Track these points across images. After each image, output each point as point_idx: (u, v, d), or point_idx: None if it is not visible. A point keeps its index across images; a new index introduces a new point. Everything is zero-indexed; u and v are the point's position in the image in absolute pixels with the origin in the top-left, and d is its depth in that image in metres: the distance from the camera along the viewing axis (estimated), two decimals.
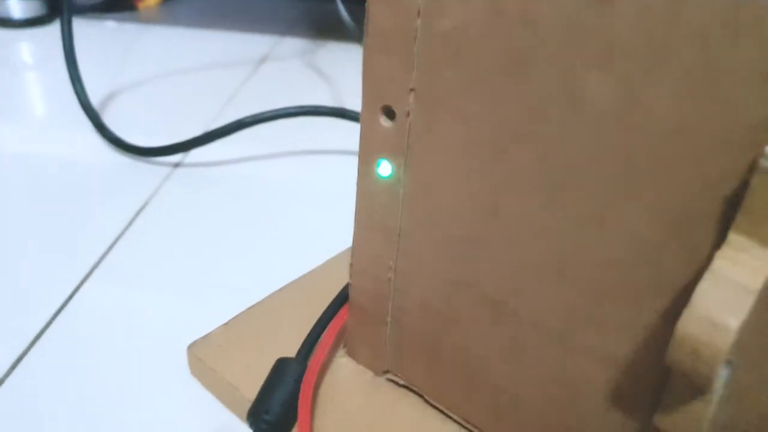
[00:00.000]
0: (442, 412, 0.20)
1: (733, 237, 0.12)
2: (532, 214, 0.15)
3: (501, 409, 0.18)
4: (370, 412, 0.20)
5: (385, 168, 0.18)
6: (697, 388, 0.13)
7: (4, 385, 0.22)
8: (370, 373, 0.22)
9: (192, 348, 0.22)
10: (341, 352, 0.22)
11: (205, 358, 0.22)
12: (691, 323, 0.12)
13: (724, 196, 0.12)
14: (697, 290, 0.12)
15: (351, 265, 0.20)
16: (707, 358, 0.12)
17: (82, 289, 0.27)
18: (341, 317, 0.21)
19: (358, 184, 0.19)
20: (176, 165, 0.37)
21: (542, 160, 0.15)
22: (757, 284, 0.11)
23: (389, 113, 0.17)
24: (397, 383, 0.21)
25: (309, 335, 0.21)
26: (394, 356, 0.21)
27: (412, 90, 0.17)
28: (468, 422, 0.19)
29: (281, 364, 0.20)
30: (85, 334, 0.25)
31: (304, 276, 0.27)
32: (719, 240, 0.13)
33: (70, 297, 0.26)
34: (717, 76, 0.12)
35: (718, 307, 0.11)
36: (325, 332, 0.21)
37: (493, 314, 0.17)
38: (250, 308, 0.24)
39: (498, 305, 0.17)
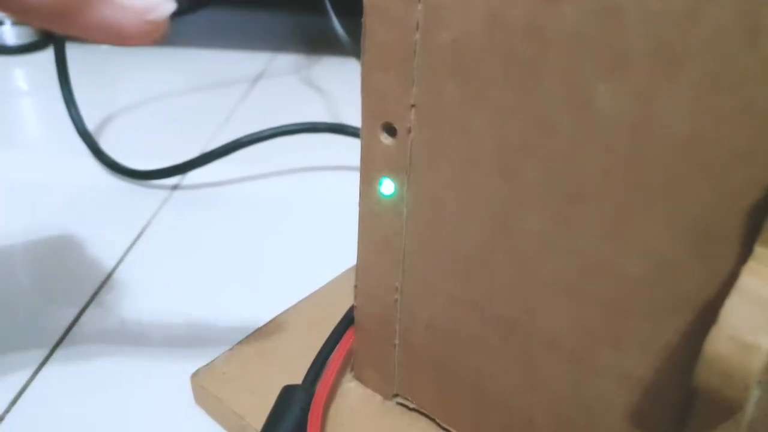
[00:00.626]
0: None
1: (759, 251, 0.11)
2: (543, 231, 0.15)
3: None
4: None
5: (387, 186, 0.18)
6: (726, 410, 0.12)
7: (8, 415, 0.21)
8: (379, 398, 0.21)
9: (195, 377, 0.22)
10: (348, 376, 0.22)
11: (209, 387, 0.21)
12: (720, 343, 0.11)
13: (746, 208, 0.12)
14: (726, 307, 0.11)
15: (356, 286, 0.20)
16: (738, 380, 0.11)
17: (83, 317, 0.26)
18: (347, 341, 0.21)
19: (360, 203, 0.18)
20: (174, 187, 0.37)
21: (551, 175, 0.14)
22: None
23: (390, 130, 0.17)
24: (407, 407, 0.20)
25: (315, 361, 0.20)
26: (403, 379, 0.20)
27: (413, 106, 0.16)
28: None
29: (287, 392, 0.19)
30: (87, 364, 0.24)
31: (307, 298, 0.26)
32: (742, 254, 0.12)
33: (72, 324, 0.26)
34: (735, 83, 0.11)
35: (749, 326, 0.11)
36: (332, 357, 0.20)
37: (505, 334, 0.17)
38: (253, 333, 0.24)
39: (510, 325, 0.16)
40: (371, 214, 0.18)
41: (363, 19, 0.16)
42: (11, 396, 0.22)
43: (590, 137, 0.13)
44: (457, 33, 0.15)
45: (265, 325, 0.24)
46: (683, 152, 0.12)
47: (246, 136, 0.34)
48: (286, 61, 0.59)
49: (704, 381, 0.11)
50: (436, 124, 0.16)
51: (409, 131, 0.16)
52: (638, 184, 0.13)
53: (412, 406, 0.20)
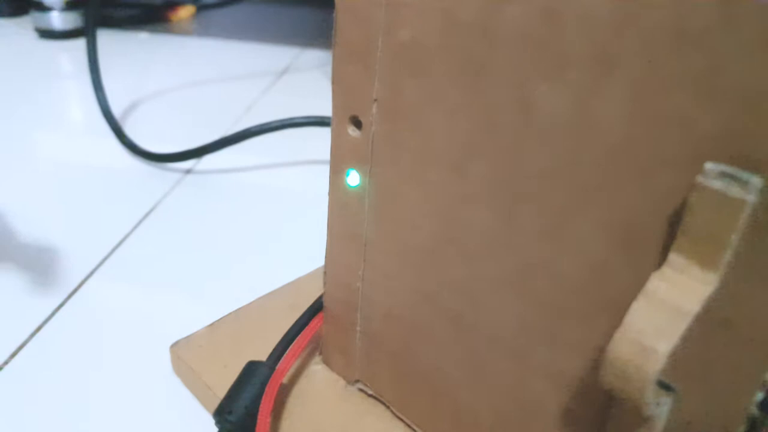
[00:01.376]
0: (408, 425, 0.20)
1: (673, 257, 0.12)
2: (488, 227, 0.15)
3: (461, 426, 0.18)
4: (337, 421, 0.20)
5: (353, 178, 0.18)
6: (635, 413, 0.12)
7: (2, 371, 0.23)
8: (342, 382, 0.22)
9: (174, 347, 0.23)
10: (318, 359, 0.22)
11: (185, 358, 0.22)
12: (621, 345, 0.11)
13: (669, 214, 0.12)
14: (630, 310, 0.11)
15: (324, 273, 0.21)
16: (636, 382, 0.11)
17: (85, 285, 0.28)
18: (316, 324, 0.21)
19: (329, 193, 0.19)
20: (188, 171, 0.38)
21: (496, 173, 0.15)
22: (693, 307, 0.11)
23: (357, 123, 0.18)
24: (367, 393, 0.21)
25: (281, 341, 0.21)
26: (364, 366, 0.21)
27: (375, 100, 0.17)
28: None
29: (250, 367, 0.20)
30: (85, 328, 0.25)
31: (292, 282, 0.27)
32: (664, 260, 0.12)
33: (74, 291, 0.27)
34: (662, 89, 0.11)
35: (649, 330, 0.11)
36: (298, 338, 0.21)
37: (453, 327, 0.17)
38: (235, 311, 0.25)
39: (457, 318, 0.17)
40: (338, 203, 0.19)
41: (334, 13, 0.17)
42: (11, 351, 0.24)
43: (531, 137, 0.14)
44: (415, 31, 0.15)
45: (247, 305, 0.25)
46: (615, 156, 0.12)
47: (255, 126, 0.35)
48: (312, 56, 0.60)
49: (607, 382, 0.12)
50: (394, 118, 0.16)
51: (372, 125, 0.17)
52: (574, 185, 0.13)
53: (370, 392, 0.21)
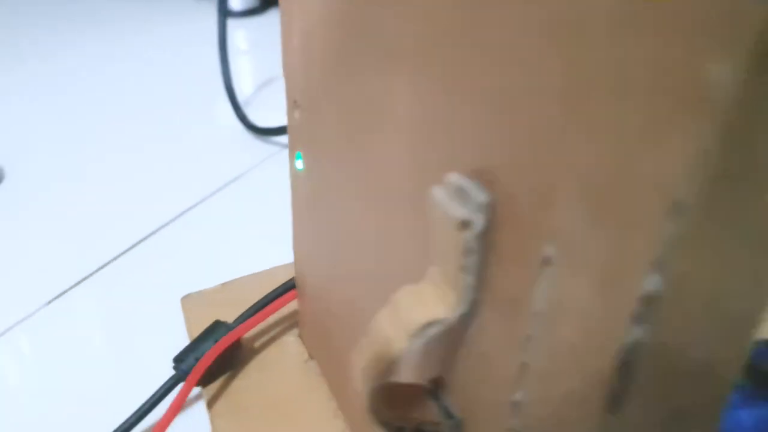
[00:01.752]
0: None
1: (431, 270, 0.10)
2: (358, 222, 0.15)
3: (357, 425, 0.18)
4: (284, 392, 0.21)
5: (300, 161, 0.19)
6: None
7: (61, 298, 0.29)
8: (306, 356, 0.23)
9: (184, 299, 0.26)
10: (295, 330, 0.24)
11: (188, 309, 0.25)
12: (359, 353, 0.11)
13: None
14: (375, 318, 0.11)
15: (294, 251, 0.22)
16: (362, 395, 0.10)
17: (160, 232, 0.33)
18: (289, 297, 0.23)
19: (290, 173, 0.20)
20: (285, 146, 0.42)
21: (362, 168, 0.14)
22: (425, 328, 0.10)
23: (298, 107, 0.18)
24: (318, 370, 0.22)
25: (251, 307, 0.22)
26: (314, 344, 0.21)
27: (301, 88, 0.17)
28: (348, 425, 0.19)
29: (214, 325, 0.22)
30: (140, 270, 0.30)
31: None
32: None
33: (148, 236, 0.32)
34: (434, 88, 0.10)
35: (377, 342, 0.10)
36: (267, 307, 0.22)
37: (353, 315, 0.17)
38: (250, 275, 0.27)
39: (352, 308, 0.17)
40: (293, 185, 0.20)
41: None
42: (79, 278, 0.30)
43: (380, 133, 0.13)
44: (306, 23, 0.15)
45: (264, 270, 0.27)
46: (413, 160, 0.11)
47: None
48: None
49: (355, 389, 0.11)
50: (308, 106, 0.17)
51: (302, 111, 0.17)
52: (393, 189, 0.12)
53: (318, 371, 0.21)
